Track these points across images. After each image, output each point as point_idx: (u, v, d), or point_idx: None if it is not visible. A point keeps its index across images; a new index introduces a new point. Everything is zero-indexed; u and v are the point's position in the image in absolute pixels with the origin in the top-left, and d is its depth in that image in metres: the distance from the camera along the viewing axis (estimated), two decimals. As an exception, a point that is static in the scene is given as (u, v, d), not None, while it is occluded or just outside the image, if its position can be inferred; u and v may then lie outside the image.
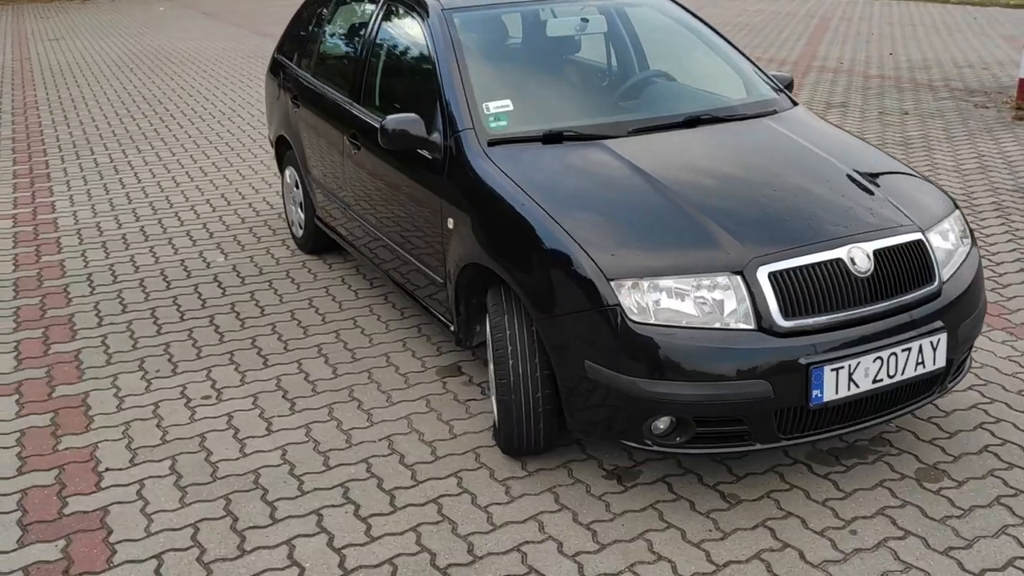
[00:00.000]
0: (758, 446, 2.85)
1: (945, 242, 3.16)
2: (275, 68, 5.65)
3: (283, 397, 3.86)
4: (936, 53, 12.81)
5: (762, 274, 2.79)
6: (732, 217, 2.98)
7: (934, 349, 2.94)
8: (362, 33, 4.48)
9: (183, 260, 5.44)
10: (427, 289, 3.83)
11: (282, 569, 2.82)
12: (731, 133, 3.62)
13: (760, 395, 2.74)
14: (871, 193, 3.21)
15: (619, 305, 2.78)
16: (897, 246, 2.97)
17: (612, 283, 2.81)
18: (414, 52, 4.12)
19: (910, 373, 2.92)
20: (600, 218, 3.03)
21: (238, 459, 3.41)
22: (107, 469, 3.36)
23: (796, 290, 2.80)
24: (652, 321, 2.77)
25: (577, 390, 2.93)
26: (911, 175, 3.50)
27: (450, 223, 3.46)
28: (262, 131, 8.74)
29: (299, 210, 5.39)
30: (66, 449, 3.50)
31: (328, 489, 3.21)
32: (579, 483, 3.20)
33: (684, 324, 2.77)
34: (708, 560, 2.79)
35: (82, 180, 7.19)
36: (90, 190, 6.93)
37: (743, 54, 4.22)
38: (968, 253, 3.24)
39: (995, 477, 3.15)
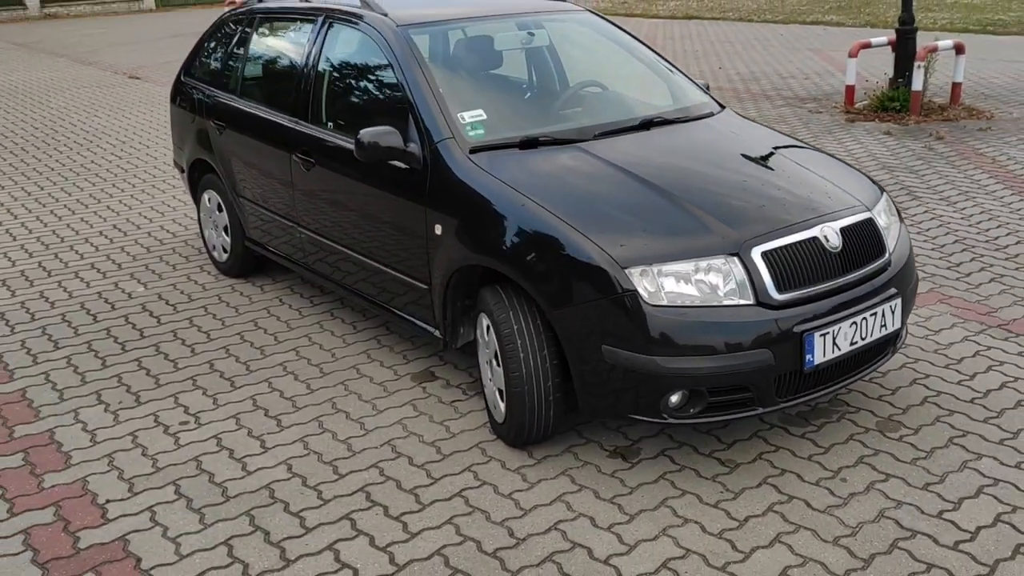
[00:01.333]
0: (760, 410, 3.15)
1: (885, 220, 3.59)
2: (184, 93, 5.54)
3: (266, 415, 3.84)
4: (759, 66, 13.88)
5: (756, 254, 3.10)
6: (718, 205, 3.28)
7: (892, 313, 3.35)
8: (300, 52, 4.51)
9: (99, 292, 5.24)
10: (405, 297, 3.92)
11: (334, 572, 2.86)
12: (685, 133, 3.94)
13: (764, 363, 3.04)
14: (821, 179, 3.60)
15: (634, 290, 3.01)
16: (856, 224, 3.37)
17: (626, 271, 3.03)
18: (369, 68, 4.21)
19: (876, 335, 3.30)
20: (600, 213, 3.25)
21: (243, 477, 3.39)
22: (108, 501, 3.26)
23: (784, 267, 3.13)
24: (665, 303, 3.02)
25: (594, 374, 3.13)
26: (841, 163, 3.92)
27: (437, 229, 3.59)
28: (134, 159, 8.45)
29: (223, 234, 5.32)
30: (53, 487, 3.36)
31: (349, 495, 3.26)
32: (588, 464, 3.39)
33: (693, 304, 3.04)
34: (729, 517, 3.06)
35: (-50, 219, 6.73)
36: (-37, 229, 6.50)
37: (669, 63, 4.56)
38: (900, 229, 3.69)
39: (942, 423, 3.59)
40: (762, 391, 3.10)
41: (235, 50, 5.11)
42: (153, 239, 6.18)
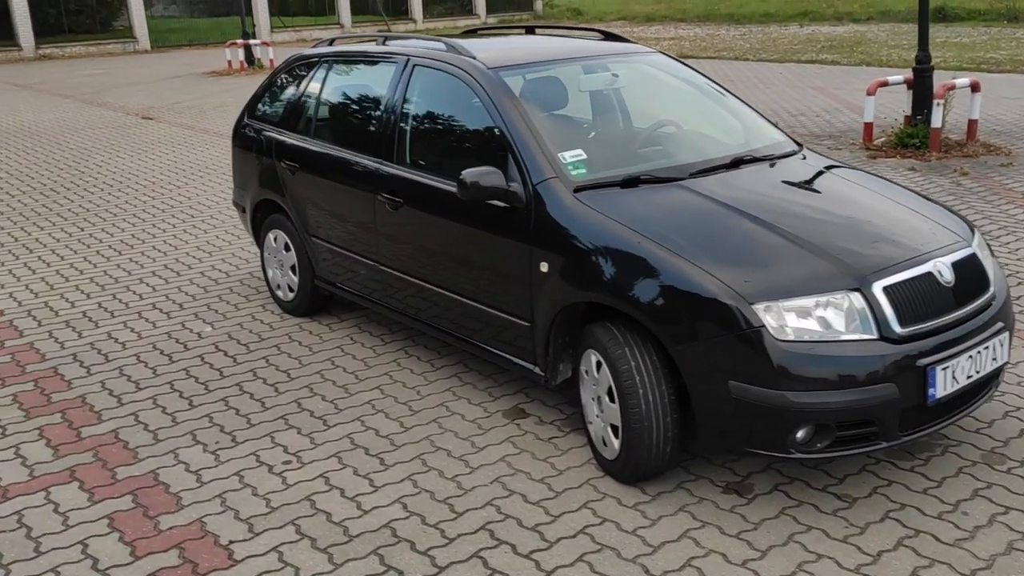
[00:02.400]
0: (883, 444, 3.18)
1: (982, 254, 3.66)
2: (248, 134, 5.58)
3: (366, 454, 3.84)
4: (768, 104, 14.08)
5: (878, 288, 3.16)
6: (833, 241, 3.34)
7: (1002, 346, 3.41)
8: (381, 95, 4.57)
9: (168, 333, 5.24)
10: (503, 334, 3.94)
11: (479, 611, 2.85)
12: (777, 171, 4.01)
13: (890, 397, 3.08)
14: (920, 216, 3.68)
15: (764, 326, 3.06)
16: (964, 258, 3.43)
17: (752, 306, 3.08)
18: (459, 110, 4.27)
19: (987, 369, 3.36)
20: (718, 249, 3.30)
21: (361, 516, 3.39)
22: (231, 542, 3.24)
23: (904, 301, 3.18)
24: (792, 338, 3.07)
25: (720, 410, 3.17)
26: (932, 201, 4.00)
27: (543, 267, 3.63)
28: (168, 200, 8.46)
29: (290, 273, 5.33)
30: (171, 528, 3.34)
31: (472, 533, 3.26)
32: (705, 500, 3.41)
33: (818, 338, 3.08)
34: (862, 552, 3.08)
35: (-3, 260, 6.71)
36: (12, 270, 6.49)
37: (743, 101, 4.65)
38: (994, 264, 3.76)
39: (1045, 454, 3.64)
40: (887, 425, 3.14)
41: (307, 92, 5.16)
42: (207, 279, 6.18)
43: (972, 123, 10.05)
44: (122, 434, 4.06)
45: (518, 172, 3.76)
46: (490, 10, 36.51)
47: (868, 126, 10.23)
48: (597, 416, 3.60)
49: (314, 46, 5.41)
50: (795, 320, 3.09)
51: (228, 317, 5.47)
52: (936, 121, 9.58)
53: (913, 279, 3.25)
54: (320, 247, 5.02)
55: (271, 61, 21.11)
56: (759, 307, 3.08)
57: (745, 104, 4.63)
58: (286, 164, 5.13)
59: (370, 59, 4.87)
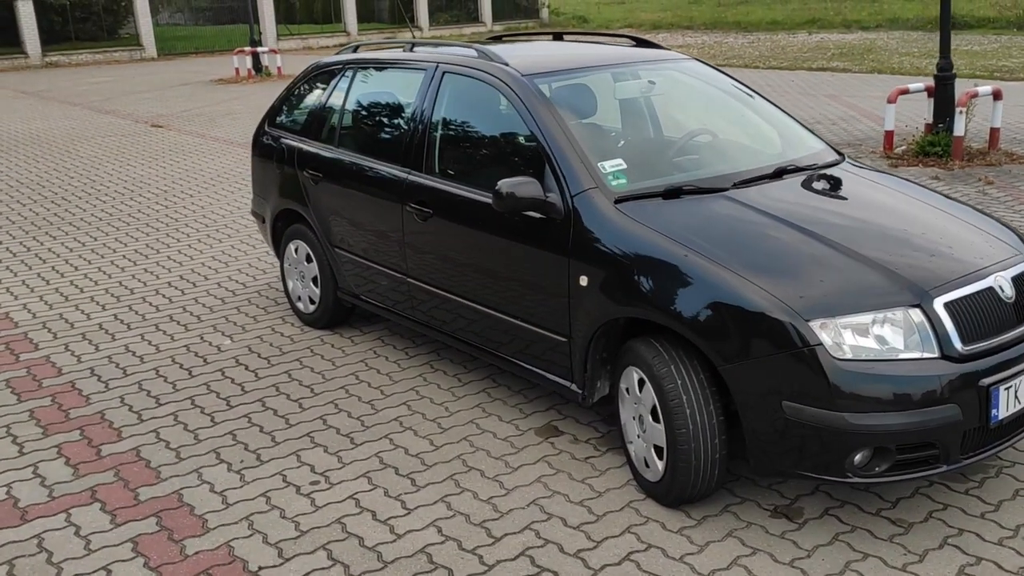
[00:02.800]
0: (944, 468, 3.04)
1: (1038, 268, 3.52)
2: (268, 143, 5.46)
3: (396, 474, 3.70)
4: (782, 112, 13.96)
5: (939, 305, 3.02)
6: (889, 255, 3.20)
7: (1060, 366, 3.26)
8: (410, 102, 4.45)
9: (187, 346, 5.11)
10: (539, 350, 3.81)
11: (525, 644, 2.72)
12: (823, 182, 3.88)
13: (952, 418, 2.94)
14: (975, 228, 3.55)
15: (821, 344, 2.92)
16: (1023, 273, 3.29)
17: (809, 323, 2.94)
18: (492, 118, 4.15)
19: (1047, 389, 3.21)
20: (769, 263, 3.17)
21: (395, 541, 3.25)
22: (260, 568, 3.11)
23: (966, 318, 3.05)
24: (849, 356, 2.93)
25: (773, 431, 3.03)
26: (983, 213, 3.86)
27: (583, 281, 3.50)
28: (181, 209, 8.35)
29: (312, 285, 5.21)
30: (197, 553, 3.21)
31: (512, 559, 3.12)
32: (753, 525, 3.27)
33: (877, 357, 2.94)
34: (922, 580, 2.94)
35: (9, 272, 6.58)
36: (25, 281, 6.37)
37: (781, 109, 4.52)
38: (1049, 279, 3.62)
39: (1104, 477, 3.50)
40: (948, 447, 3.00)
41: (331, 100, 5.04)
42: (225, 290, 6.06)
43: (994, 131, 9.91)
44: (143, 452, 3.93)
45: (556, 183, 3.63)
46: (496, 18, 36.49)
47: (889, 134, 10.10)
48: (638, 436, 3.47)
49: (337, 53, 5.29)
50: (852, 337, 2.96)
51: (247, 329, 5.34)
52: (959, 129, 9.45)
53: (974, 295, 3.11)
54: (343, 258, 4.89)
55: (279, 69, 21.07)
56: (815, 324, 2.95)
57: (783, 112, 4.50)
58: (309, 173, 5.00)
59: (397, 66, 4.75)
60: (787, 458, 3.05)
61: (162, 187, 9.42)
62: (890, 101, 9.99)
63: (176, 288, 6.12)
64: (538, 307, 3.75)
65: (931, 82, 9.96)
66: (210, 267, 6.58)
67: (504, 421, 4.12)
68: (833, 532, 3.21)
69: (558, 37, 5.23)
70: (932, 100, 9.92)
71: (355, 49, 5.19)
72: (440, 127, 4.30)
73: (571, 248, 3.54)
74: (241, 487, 3.64)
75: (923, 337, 2.99)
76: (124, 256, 6.91)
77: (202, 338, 5.23)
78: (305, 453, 3.89)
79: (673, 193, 3.59)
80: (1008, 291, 3.19)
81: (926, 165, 9.44)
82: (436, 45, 4.73)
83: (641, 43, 4.87)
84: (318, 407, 4.32)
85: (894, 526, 3.23)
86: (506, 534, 3.27)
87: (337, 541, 3.26)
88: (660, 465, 3.33)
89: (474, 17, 36.46)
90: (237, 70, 20.96)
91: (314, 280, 5.19)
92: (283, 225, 5.42)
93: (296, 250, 5.29)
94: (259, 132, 5.62)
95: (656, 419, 3.30)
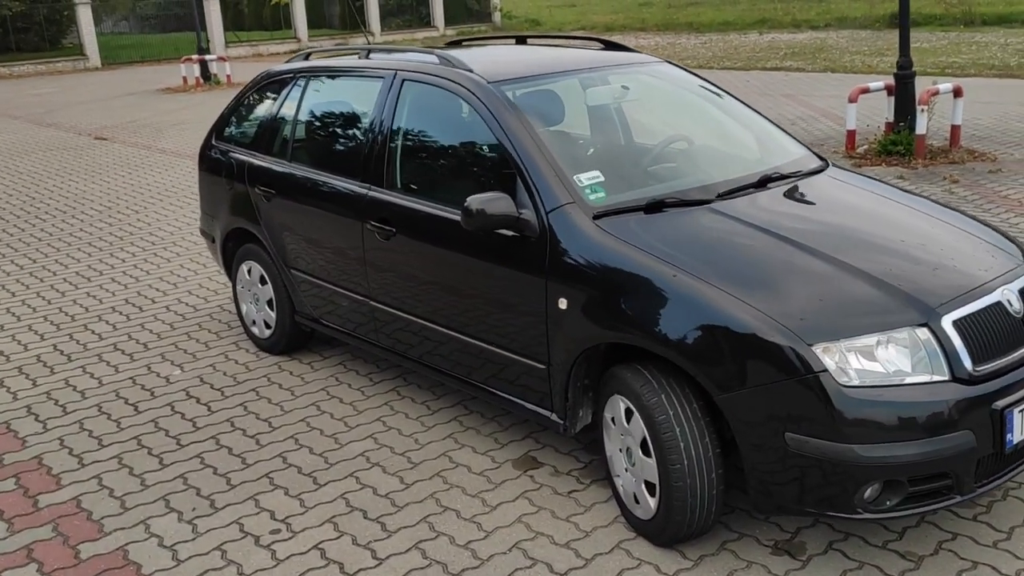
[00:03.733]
0: (957, 498, 2.83)
1: (1040, 279, 3.33)
2: (216, 157, 5.13)
3: (365, 518, 3.41)
4: (741, 112, 13.84)
5: (947, 323, 2.81)
6: (889, 270, 2.98)
7: (1073, 383, 3.06)
8: (367, 113, 4.15)
9: (133, 378, 4.76)
10: (514, 377, 3.55)
11: None
12: (810, 190, 3.65)
13: (966, 446, 2.73)
14: (975, 237, 3.35)
15: (825, 370, 2.69)
16: (1028, 286, 3.10)
17: (812, 347, 2.71)
18: (457, 128, 3.88)
19: (1060, 408, 3.01)
20: (765, 282, 2.93)
21: (366, 597, 2.96)
22: (216, 635, 2.80)
23: (976, 336, 2.84)
24: (856, 382, 2.70)
25: (774, 465, 2.79)
26: (979, 221, 3.67)
27: (562, 304, 3.24)
28: (125, 226, 7.95)
29: (267, 308, 4.89)
30: (145, 619, 2.89)
31: (497, 615, 2.85)
32: (754, 565, 3.03)
33: (885, 383, 2.72)
34: (941, 622, 2.72)
35: (-60, 298, 6.16)
36: (-44, 309, 5.95)
37: (759, 113, 4.30)
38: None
39: (1115, 496, 3.31)
40: (962, 477, 2.78)
41: (282, 111, 4.72)
42: (174, 314, 5.70)
43: (955, 129, 9.85)
44: (85, 502, 3.59)
45: (529, 198, 3.37)
46: (449, 22, 36.15)
47: (851, 133, 9.99)
48: (626, 470, 3.21)
49: (288, 61, 4.98)
50: (858, 361, 2.73)
51: (198, 357, 5.00)
52: (921, 128, 9.36)
53: (983, 311, 2.90)
54: (300, 280, 4.58)
55: (228, 77, 20.57)
56: (818, 348, 2.71)
57: (761, 115, 4.28)
58: (260, 190, 4.68)
59: (352, 74, 4.45)
60: (791, 494, 2.82)
61: (105, 203, 9.00)
62: (851, 100, 9.88)
63: (121, 313, 5.75)
64: (513, 332, 3.48)
65: (890, 80, 9.87)
66: (157, 289, 6.21)
67: (479, 453, 3.85)
68: (840, 570, 2.98)
69: (521, 41, 4.97)
70: (892, 99, 9.83)
71: (307, 56, 4.88)
72: (400, 139, 4.01)
73: (548, 269, 3.28)
74: (193, 540, 3.32)
75: (932, 359, 2.77)
76: (65, 279, 6.51)
77: (149, 368, 4.88)
78: (264, 497, 3.58)
79: (655, 207, 3.34)
80: (1016, 305, 2.98)
81: (889, 164, 9.33)
82: (392, 51, 4.45)
83: (609, 46, 4.62)
84: (277, 443, 4.01)
85: (904, 560, 3.01)
86: (488, 584, 3.00)
87: (302, 600, 2.96)
88: (652, 502, 3.08)
89: (426, 22, 36.09)
90: (185, 79, 20.42)
91: (269, 303, 4.87)
92: (234, 245, 5.09)
93: (249, 271, 4.97)
94: (206, 146, 5.29)
95: (647, 452, 3.05)
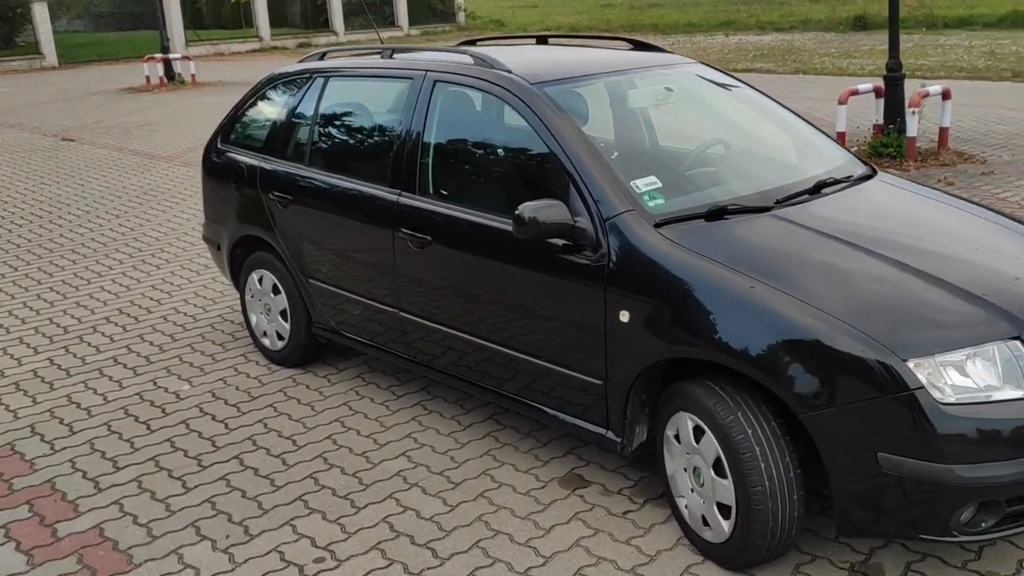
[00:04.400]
0: (1050, 517, 2.72)
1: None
2: (222, 161, 4.90)
3: (413, 544, 3.23)
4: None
5: (1040, 334, 2.70)
6: (973, 280, 2.87)
7: None
8: (397, 115, 3.96)
9: (140, 394, 4.51)
10: (566, 393, 3.38)
11: None
12: (868, 196, 3.54)
13: (1062, 463, 2.62)
14: (1040, 244, 3.26)
15: (922, 387, 2.56)
16: (1101, 294, 3.00)
17: (907, 363, 2.58)
18: (500, 132, 3.71)
19: None
20: (850, 295, 2.80)
21: (429, 632, 2.78)
22: None
23: (1063, 348, 2.73)
24: (954, 400, 2.58)
25: (865, 487, 2.66)
26: (1012, 218, 3.57)
27: (623, 316, 3.08)
28: (108, 231, 7.64)
29: (280, 319, 4.66)
30: (193, 662, 2.67)
31: (573, 649, 2.68)
32: (833, 588, 2.90)
33: (984, 400, 2.60)
34: (1041, 649, 2.61)
35: (-81, 309, 5.84)
36: (-61, 321, 5.64)
37: (802, 117, 4.18)
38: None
39: None
40: (1056, 495, 2.67)
41: (299, 113, 4.50)
42: (172, 324, 5.45)
43: (944, 131, 9.87)
44: (108, 531, 3.36)
45: (584, 205, 3.20)
46: (412, 22, 35.83)
47: (841, 136, 9.94)
48: (692, 491, 3.07)
49: (301, 60, 4.76)
50: (954, 377, 2.61)
51: (206, 371, 4.77)
52: (912, 130, 9.37)
53: (1067, 321, 2.80)
54: (319, 289, 4.37)
55: (193, 76, 20.11)
56: (912, 363, 2.59)
57: (803, 119, 4.16)
58: (275, 195, 4.46)
59: (376, 75, 4.24)
60: (883, 518, 2.68)
61: (83, 207, 8.66)
62: (841, 102, 9.84)
63: (116, 324, 5.49)
64: (566, 345, 3.31)
65: (877, 82, 9.88)
66: (151, 298, 5.94)
67: (520, 471, 3.68)
68: (923, 592, 2.87)
69: (542, 41, 4.80)
70: (881, 101, 9.83)
71: (322, 56, 4.66)
72: (434, 143, 3.82)
73: (607, 280, 3.12)
74: (232, 570, 3.11)
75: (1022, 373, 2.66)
76: (51, 288, 6.22)
77: (155, 383, 4.63)
78: (300, 522, 3.38)
79: (716, 214, 3.20)
80: (1100, 314, 2.88)
81: (881, 167, 9.28)
82: (418, 50, 4.26)
83: (639, 46, 4.47)
84: (305, 463, 3.81)
85: (987, 581, 2.91)
86: (556, 615, 2.83)
87: (361, 636, 2.77)
88: (726, 525, 2.93)
89: (390, 21, 35.72)
90: (148, 78, 19.91)
91: (282, 314, 4.65)
92: (243, 253, 4.86)
93: (260, 280, 4.74)
94: (210, 149, 5.05)
95: (720, 473, 2.90)
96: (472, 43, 4.87)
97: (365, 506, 3.47)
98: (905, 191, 3.69)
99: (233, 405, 4.36)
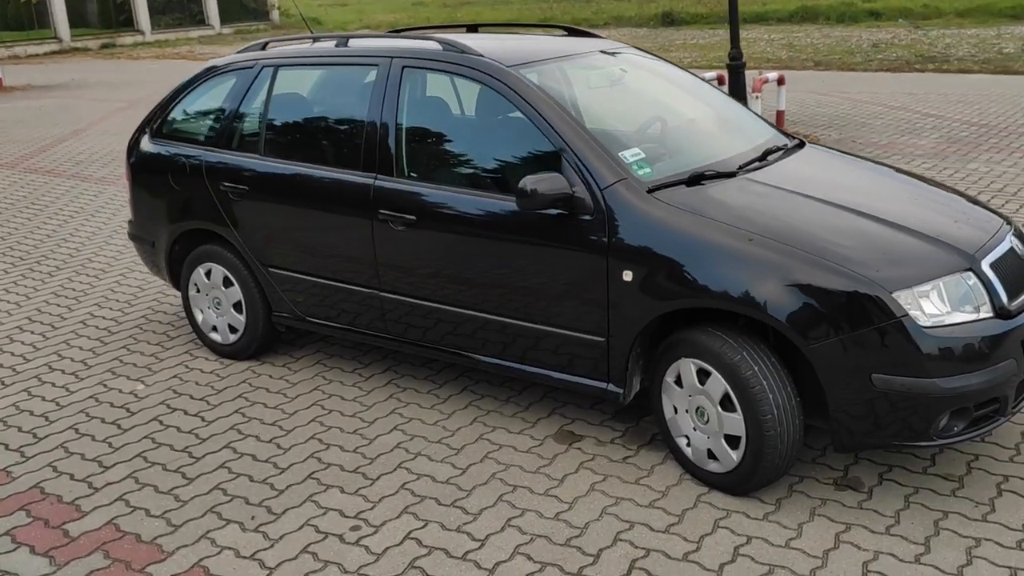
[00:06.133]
0: (1002, 420, 3.23)
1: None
2: (155, 156, 4.80)
3: (440, 504, 3.39)
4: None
5: (986, 266, 3.20)
6: (924, 223, 3.35)
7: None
8: (364, 103, 4.05)
9: (94, 396, 4.39)
10: (568, 352, 3.62)
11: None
12: (811, 161, 3.98)
13: (1012, 372, 3.14)
14: (958, 194, 3.81)
15: (907, 314, 3.00)
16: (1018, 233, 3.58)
17: (893, 295, 3.01)
18: (478, 114, 3.89)
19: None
20: (831, 241, 3.20)
21: (489, 575, 2.97)
22: (361, 634, 2.72)
23: (1005, 276, 3.25)
24: (932, 323, 3.03)
25: (860, 405, 3.07)
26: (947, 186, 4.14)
27: (627, 276, 3.37)
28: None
29: (234, 311, 4.64)
30: (272, 630, 2.75)
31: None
32: (829, 501, 3.30)
33: (954, 321, 3.07)
34: (1008, 528, 3.10)
35: None
36: None
37: (725, 94, 4.61)
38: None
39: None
40: (1007, 401, 3.19)
41: (248, 103, 4.48)
42: (96, 328, 5.26)
43: (780, 114, 10.74)
44: (124, 525, 3.32)
45: (579, 176, 3.47)
46: (224, 20, 34.69)
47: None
48: (696, 430, 3.40)
49: (240, 51, 4.73)
50: (928, 305, 3.06)
51: (154, 369, 4.68)
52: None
53: (1005, 254, 3.33)
54: (281, 278, 4.40)
55: (0, 80, 18.74)
56: (898, 295, 3.02)
57: (728, 97, 4.58)
58: (227, 186, 4.44)
59: (334, 63, 4.32)
60: (876, 431, 3.11)
61: (-65, 219, 8.05)
62: (690, 89, 10.56)
63: (32, 332, 5.24)
64: (568, 308, 3.56)
65: (720, 72, 10.67)
66: (59, 305, 5.69)
67: (514, 433, 3.90)
68: (902, 495, 3.32)
69: (472, 29, 5.01)
70: (725, 88, 10.62)
71: (264, 46, 4.67)
72: (408, 127, 3.96)
73: (608, 244, 3.40)
74: (272, 546, 3.17)
75: (979, 298, 3.15)
76: (-61, 301, 5.82)
77: (105, 385, 4.51)
78: (321, 498, 3.46)
79: (695, 179, 3.55)
80: (1019, 249, 3.44)
81: (731, 148, 10.07)
82: (370, 39, 4.37)
83: (574, 32, 4.77)
84: (300, 445, 3.87)
85: (947, 481, 3.40)
86: (600, 549, 3.09)
87: (426, 588, 2.92)
88: (735, 455, 3.28)
89: (199, 20, 34.43)
90: (-53, 83, 18.38)
91: (236, 306, 4.63)
92: (183, 248, 4.79)
93: (208, 274, 4.69)
94: (135, 145, 4.93)
95: (729, 408, 3.25)
96: (400, 31, 5.00)
97: (378, 477, 3.59)
98: (835, 156, 4.18)
99: (200, 399, 4.32)
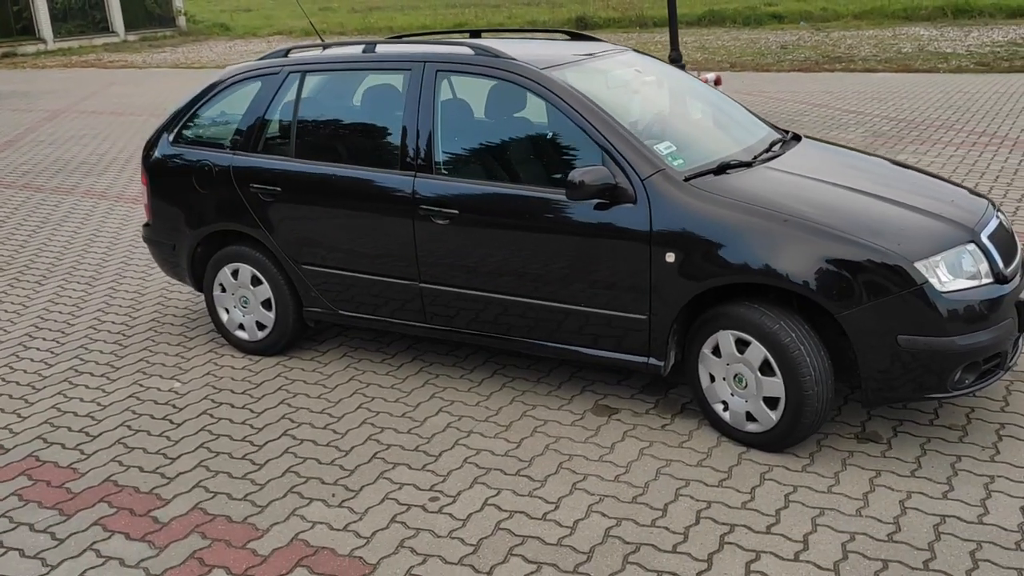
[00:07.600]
0: (1002, 373, 3.68)
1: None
2: (176, 162, 4.92)
3: (506, 474, 3.66)
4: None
5: (985, 237, 3.65)
6: (931, 203, 3.79)
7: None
8: (399, 105, 4.28)
9: (135, 395, 4.50)
10: (612, 333, 3.92)
11: (786, 588, 2.91)
12: (815, 151, 4.39)
13: (1011, 329, 3.59)
14: (949, 183, 4.27)
15: (927, 281, 3.41)
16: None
17: (915, 264, 3.43)
18: (517, 114, 4.19)
19: (1031, 299, 3.99)
20: (858, 220, 3.58)
21: (571, 533, 3.26)
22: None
23: (999, 247, 3.71)
24: (947, 289, 3.46)
25: (886, 364, 3.47)
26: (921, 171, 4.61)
27: (670, 257, 3.70)
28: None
29: (263, 309, 4.80)
30: (389, 590, 2.98)
31: (703, 533, 3.27)
32: (856, 453, 3.70)
33: (966, 286, 3.50)
34: (1015, 467, 3.55)
35: None
36: None
37: (724, 96, 4.99)
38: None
39: (1048, 367, 4.38)
40: (1006, 356, 3.64)
41: (275, 109, 4.65)
42: (108, 333, 5.34)
43: (717, 113, 11.33)
44: (211, 509, 3.49)
45: (619, 168, 3.79)
46: (129, 27, 33.89)
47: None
48: (734, 395, 3.75)
49: (261, 58, 4.89)
50: (944, 273, 3.48)
51: (184, 369, 4.80)
52: (696, 112, 10.69)
53: (996, 228, 3.79)
54: (315, 274, 4.59)
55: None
56: (920, 264, 3.43)
57: (728, 97, 4.97)
58: (258, 189, 4.61)
59: (363, 68, 4.53)
60: (901, 386, 3.51)
61: None
62: (633, 91, 11.02)
63: (45, 339, 5.28)
64: (611, 290, 3.87)
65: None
66: (62, 312, 5.72)
67: (554, 409, 4.19)
68: (917, 444, 3.74)
69: (475, 35, 5.27)
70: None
71: (287, 53, 4.84)
72: (446, 127, 4.21)
73: (651, 229, 3.72)
74: (360, 519, 3.39)
75: (981, 265, 3.60)
76: (-67, 313, 5.78)
77: (141, 385, 4.62)
78: (392, 474, 3.69)
79: (721, 169, 3.91)
80: (1008, 225, 3.91)
81: (675, 145, 10.56)
82: (394, 44, 4.61)
83: (576, 36, 5.09)
84: (354, 430, 4.08)
85: (952, 431, 3.83)
86: (666, 504, 3.41)
87: (519, 544, 3.19)
88: (774, 415, 3.64)
89: (103, 27, 33.53)
90: None
91: (265, 303, 4.80)
92: (206, 250, 4.93)
93: (235, 274, 4.84)
94: (153, 151, 5.03)
95: (768, 373, 3.61)
96: (400, 38, 5.21)
97: (440, 454, 3.83)
98: (833, 147, 4.60)
99: (242, 393, 4.48)
